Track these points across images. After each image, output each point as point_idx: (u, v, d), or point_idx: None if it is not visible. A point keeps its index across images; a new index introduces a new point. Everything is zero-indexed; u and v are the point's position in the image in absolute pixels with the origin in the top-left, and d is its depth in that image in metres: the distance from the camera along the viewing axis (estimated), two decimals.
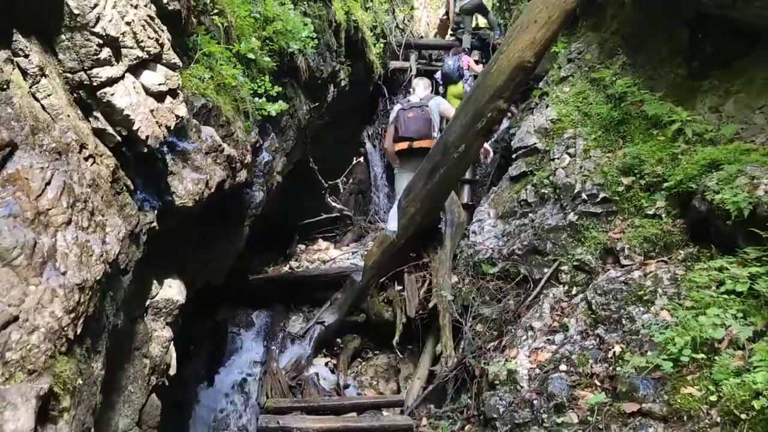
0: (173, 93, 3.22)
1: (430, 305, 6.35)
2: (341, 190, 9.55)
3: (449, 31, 16.31)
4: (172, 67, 3.22)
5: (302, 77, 7.79)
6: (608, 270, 5.73)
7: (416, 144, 7.20)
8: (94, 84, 2.74)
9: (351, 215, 11.06)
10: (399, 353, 6.59)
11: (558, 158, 6.81)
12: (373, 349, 7.02)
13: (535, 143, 7.11)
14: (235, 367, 6.56)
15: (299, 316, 7.34)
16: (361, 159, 10.17)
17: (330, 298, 7.22)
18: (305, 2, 7.97)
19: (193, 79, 4.15)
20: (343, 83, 9.94)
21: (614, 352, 4.64)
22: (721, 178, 5.13)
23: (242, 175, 4.54)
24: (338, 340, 6.92)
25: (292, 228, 11.17)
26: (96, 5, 2.66)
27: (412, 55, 13.85)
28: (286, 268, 7.98)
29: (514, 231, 6.60)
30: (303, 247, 10.73)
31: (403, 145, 7.25)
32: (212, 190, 3.90)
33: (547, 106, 7.45)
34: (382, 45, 11.87)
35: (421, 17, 18.45)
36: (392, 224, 6.80)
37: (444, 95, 11.66)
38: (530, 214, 6.62)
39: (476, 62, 13.23)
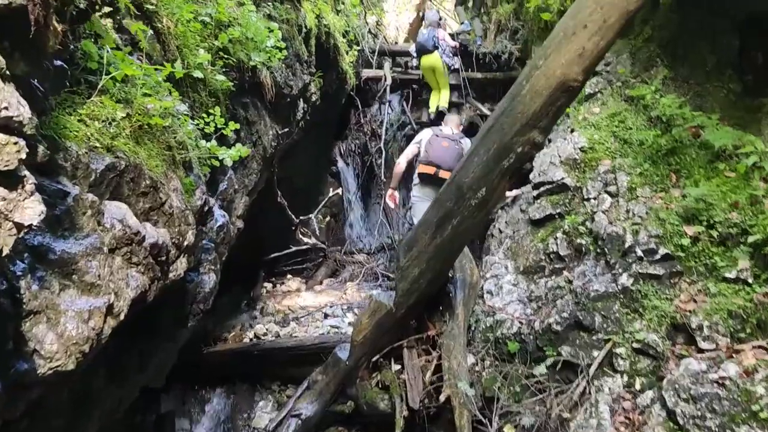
0: (11, 179, 1.51)
1: (442, 397, 4.69)
2: (315, 228, 7.85)
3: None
4: (9, 127, 1.51)
5: (267, 96, 6.07)
6: (683, 357, 4.18)
7: (441, 173, 6.25)
8: None
9: (325, 247, 9.36)
10: None
11: (595, 198, 5.23)
12: None
13: (562, 178, 5.51)
14: None
15: (268, 401, 5.61)
16: (339, 191, 8.48)
17: (306, 374, 5.50)
18: (270, 3, 6.25)
19: (90, 124, 2.43)
20: (314, 98, 8.24)
21: None
22: None
23: (180, 266, 2.84)
24: None
25: (256, 263, 9.44)
26: None
27: (386, 62, 12.20)
28: (249, 335, 6.25)
29: (545, 295, 4.99)
30: (270, 286, 8.99)
31: (430, 170, 6.37)
32: (122, 317, 2.19)
33: (573, 131, 5.87)
34: (356, 53, 10.18)
35: (390, 21, 16.80)
36: None
37: (417, 68, 11.07)
38: (565, 272, 5.03)
39: (455, 70, 11.69)
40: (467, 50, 12.10)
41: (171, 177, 2.89)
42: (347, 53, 9.87)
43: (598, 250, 4.90)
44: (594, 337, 4.51)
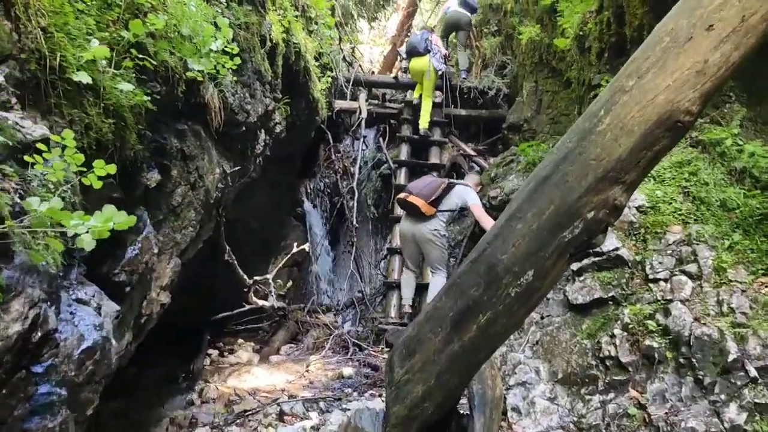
0: None
1: None
2: (271, 291, 6.04)
3: (398, 71, 13.26)
4: None
5: (214, 122, 4.35)
6: None
7: (410, 198, 6.03)
8: None
9: (285, 307, 7.55)
10: None
11: (666, 280, 3.62)
12: None
13: (616, 248, 3.90)
14: None
15: None
16: (306, 246, 6.73)
17: None
18: (222, 1, 4.56)
19: None
20: (278, 129, 6.55)
21: None
22: None
23: None
24: None
25: (201, 322, 7.63)
26: None
27: (362, 93, 10.60)
28: None
29: (605, 425, 3.31)
30: (215, 354, 7.15)
31: (401, 195, 6.24)
32: None
33: None
34: (329, 80, 8.53)
35: (363, 53, 15.26)
36: (406, 293, 6.57)
37: (406, 70, 9.92)
38: (630, 389, 3.38)
39: (438, 105, 10.19)
40: (450, 84, 10.59)
41: None
42: (320, 79, 8.22)
43: (682, 360, 3.26)
44: None
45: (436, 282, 6.30)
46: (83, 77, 2.39)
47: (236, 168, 4.70)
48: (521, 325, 3.14)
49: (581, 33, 6.11)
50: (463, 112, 10.70)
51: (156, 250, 3.47)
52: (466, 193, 6.18)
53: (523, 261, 2.85)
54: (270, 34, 5.60)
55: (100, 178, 2.04)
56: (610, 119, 2.68)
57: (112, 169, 1.91)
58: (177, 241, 4.13)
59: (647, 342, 3.41)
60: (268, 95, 5.51)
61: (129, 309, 3.31)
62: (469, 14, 10.47)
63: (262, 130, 6.11)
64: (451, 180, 6.40)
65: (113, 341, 2.13)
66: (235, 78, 4.64)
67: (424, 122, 9.48)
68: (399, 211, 8.06)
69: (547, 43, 9.31)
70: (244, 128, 4.96)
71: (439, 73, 9.51)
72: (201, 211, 4.42)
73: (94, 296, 2.20)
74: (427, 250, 6.15)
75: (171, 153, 3.88)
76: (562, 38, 6.61)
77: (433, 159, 9.58)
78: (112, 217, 1.65)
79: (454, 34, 10.96)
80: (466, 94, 10.58)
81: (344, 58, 10.75)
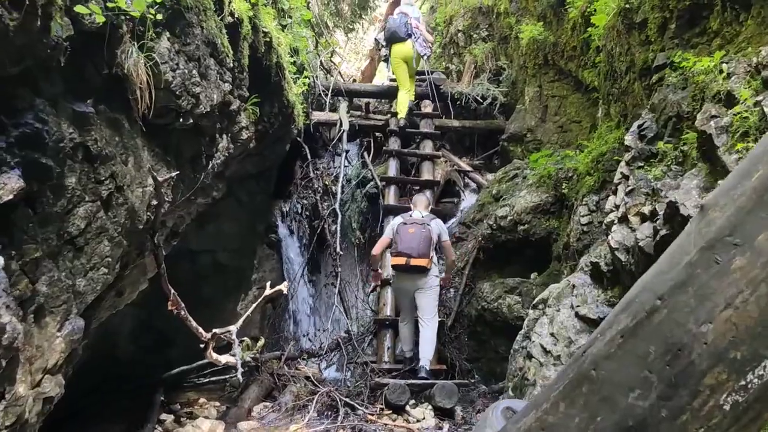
0: None
1: None
2: (236, 343, 4.35)
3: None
4: None
5: (140, 105, 2.75)
6: None
7: (413, 261, 5.66)
8: None
9: (256, 358, 5.86)
10: None
11: None
12: None
13: None
14: None
15: None
16: (283, 286, 4.97)
17: None
18: None
19: None
20: (245, 135, 4.95)
21: None
22: None
23: None
24: None
25: (153, 375, 5.97)
26: None
27: (342, 104, 9.09)
28: None
29: None
30: (170, 420, 5.41)
31: (401, 260, 5.76)
32: None
33: None
34: (306, 83, 6.97)
35: (340, 63, 13.79)
36: (407, 345, 6.11)
37: (386, 59, 9.05)
38: None
39: (429, 115, 8.80)
40: (440, 92, 9.15)
41: None
42: (295, 82, 6.65)
43: None
44: None
45: (431, 332, 5.82)
46: None
47: (173, 174, 3.06)
48: None
49: (627, 6, 4.67)
50: (456, 123, 9.29)
51: (21, 313, 1.84)
52: (440, 228, 6.04)
53: (755, 337, 1.31)
54: (230, 4, 4.04)
55: None
56: None
57: None
58: (79, 290, 2.50)
59: None
60: (228, 80, 3.91)
61: None
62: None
63: (224, 135, 4.53)
64: (424, 219, 5.99)
65: None
66: (175, 45, 3.06)
67: (410, 96, 8.74)
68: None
69: (552, 41, 7.93)
70: (191, 121, 3.35)
71: (424, 57, 8.60)
72: (123, 241, 2.78)
73: None
74: (425, 297, 5.86)
75: (59, 148, 2.27)
76: (600, 15, 5.14)
77: (426, 175, 8.11)
78: None
79: None
80: (458, 99, 9.17)
81: (321, 64, 9.23)
